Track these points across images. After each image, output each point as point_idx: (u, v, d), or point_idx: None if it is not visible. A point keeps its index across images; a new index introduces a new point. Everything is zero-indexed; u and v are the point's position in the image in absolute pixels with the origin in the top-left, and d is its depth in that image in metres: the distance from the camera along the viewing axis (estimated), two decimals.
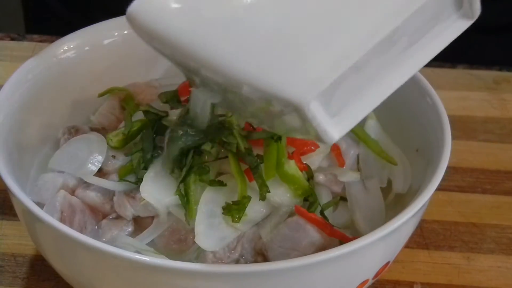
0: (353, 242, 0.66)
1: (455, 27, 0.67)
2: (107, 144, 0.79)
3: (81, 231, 0.74)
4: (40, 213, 0.68)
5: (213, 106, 0.71)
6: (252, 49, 0.61)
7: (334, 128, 0.62)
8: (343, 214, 0.78)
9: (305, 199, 0.75)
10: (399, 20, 0.62)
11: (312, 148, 0.78)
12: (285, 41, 0.61)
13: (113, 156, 0.79)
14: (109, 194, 0.78)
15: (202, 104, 0.71)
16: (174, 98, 0.82)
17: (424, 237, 0.87)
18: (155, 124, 0.79)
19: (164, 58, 0.67)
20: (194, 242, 0.72)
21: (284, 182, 0.74)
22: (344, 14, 0.62)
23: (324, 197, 0.77)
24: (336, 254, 0.65)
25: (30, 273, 0.82)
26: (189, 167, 0.73)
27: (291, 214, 0.74)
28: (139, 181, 0.75)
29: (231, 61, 0.61)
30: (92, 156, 0.79)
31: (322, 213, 0.75)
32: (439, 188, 0.72)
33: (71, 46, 0.87)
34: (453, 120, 0.79)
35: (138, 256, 0.65)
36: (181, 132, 0.73)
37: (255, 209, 0.74)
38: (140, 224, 0.77)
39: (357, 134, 0.83)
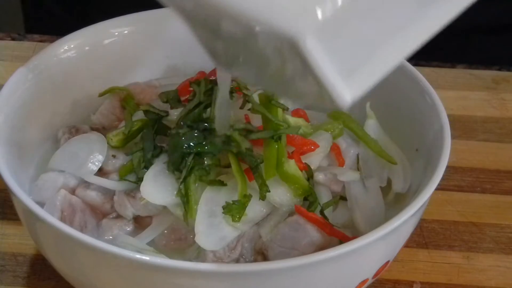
0: (353, 241, 0.66)
1: None
2: (108, 143, 0.79)
3: (81, 231, 0.74)
4: (40, 213, 0.68)
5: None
6: None
7: (345, 85, 0.54)
8: (343, 214, 0.78)
9: (305, 199, 0.75)
10: None
11: (312, 147, 0.78)
12: None
13: (114, 156, 0.79)
14: (109, 194, 0.78)
15: (225, 85, 0.72)
16: (174, 97, 0.82)
17: (423, 236, 0.87)
18: (156, 124, 0.80)
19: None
20: (194, 242, 0.72)
21: (284, 181, 0.74)
22: None
23: (324, 197, 0.77)
24: (336, 253, 0.65)
25: (30, 273, 0.82)
26: (189, 168, 0.74)
27: (291, 214, 0.74)
28: (139, 180, 0.76)
29: None
30: (93, 155, 0.79)
31: (322, 212, 0.75)
32: (439, 188, 0.72)
33: (71, 46, 0.87)
34: (453, 119, 0.79)
35: (138, 256, 0.65)
36: (182, 133, 0.74)
37: (255, 209, 0.74)
38: (140, 223, 0.77)
39: (356, 133, 0.83)
